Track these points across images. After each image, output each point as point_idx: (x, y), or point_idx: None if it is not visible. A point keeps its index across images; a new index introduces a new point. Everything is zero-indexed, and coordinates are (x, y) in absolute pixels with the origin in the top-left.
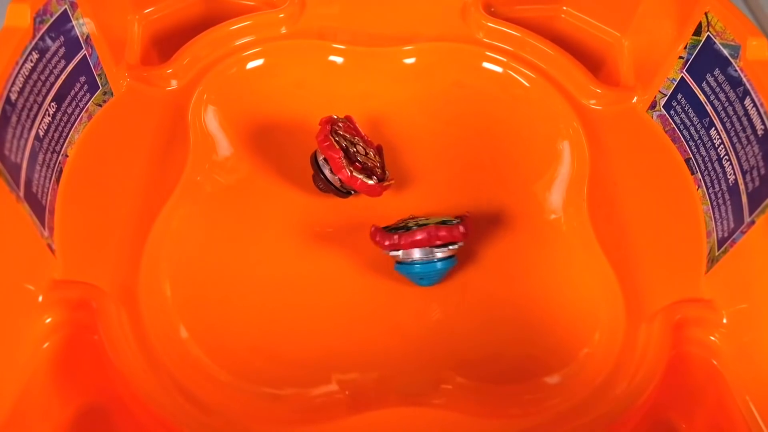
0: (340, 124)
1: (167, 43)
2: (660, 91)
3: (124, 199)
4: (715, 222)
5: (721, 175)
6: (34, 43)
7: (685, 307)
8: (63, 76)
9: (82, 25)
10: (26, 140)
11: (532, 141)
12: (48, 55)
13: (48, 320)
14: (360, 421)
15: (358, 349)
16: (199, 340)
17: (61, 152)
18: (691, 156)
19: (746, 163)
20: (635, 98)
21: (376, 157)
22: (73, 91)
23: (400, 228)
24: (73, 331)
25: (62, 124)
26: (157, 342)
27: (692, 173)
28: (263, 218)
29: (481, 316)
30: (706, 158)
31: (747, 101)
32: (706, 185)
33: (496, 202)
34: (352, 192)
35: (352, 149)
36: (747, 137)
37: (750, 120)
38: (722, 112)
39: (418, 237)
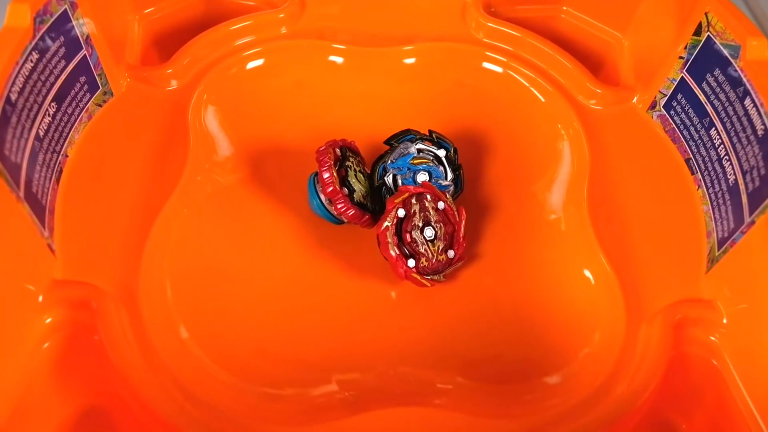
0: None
1: (167, 43)
2: (660, 91)
3: (124, 199)
4: (715, 222)
5: (721, 175)
6: (34, 43)
7: (685, 307)
8: (63, 76)
9: (82, 25)
10: (26, 140)
11: (532, 141)
12: (48, 55)
13: (48, 320)
14: (360, 421)
15: (358, 349)
16: (199, 340)
17: (61, 152)
18: (691, 156)
19: (746, 163)
20: (635, 98)
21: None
22: (73, 91)
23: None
24: (73, 331)
25: (62, 124)
26: (157, 342)
27: (692, 173)
28: (263, 218)
29: (480, 316)
30: (706, 158)
31: (747, 101)
32: (706, 185)
33: (496, 202)
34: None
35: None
36: (747, 137)
37: (750, 120)
38: (722, 112)
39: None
